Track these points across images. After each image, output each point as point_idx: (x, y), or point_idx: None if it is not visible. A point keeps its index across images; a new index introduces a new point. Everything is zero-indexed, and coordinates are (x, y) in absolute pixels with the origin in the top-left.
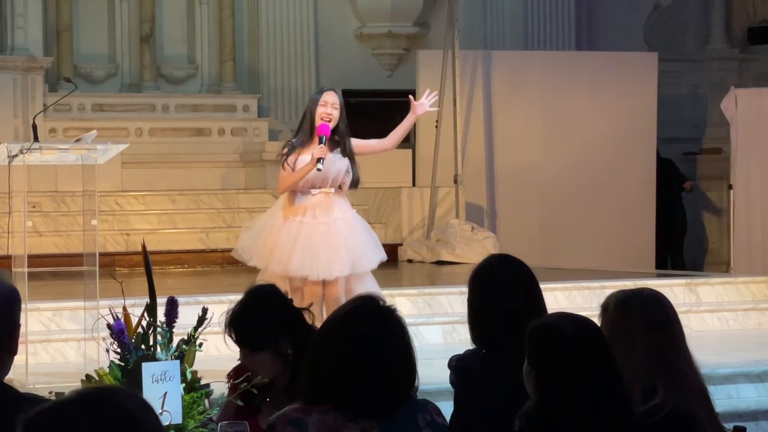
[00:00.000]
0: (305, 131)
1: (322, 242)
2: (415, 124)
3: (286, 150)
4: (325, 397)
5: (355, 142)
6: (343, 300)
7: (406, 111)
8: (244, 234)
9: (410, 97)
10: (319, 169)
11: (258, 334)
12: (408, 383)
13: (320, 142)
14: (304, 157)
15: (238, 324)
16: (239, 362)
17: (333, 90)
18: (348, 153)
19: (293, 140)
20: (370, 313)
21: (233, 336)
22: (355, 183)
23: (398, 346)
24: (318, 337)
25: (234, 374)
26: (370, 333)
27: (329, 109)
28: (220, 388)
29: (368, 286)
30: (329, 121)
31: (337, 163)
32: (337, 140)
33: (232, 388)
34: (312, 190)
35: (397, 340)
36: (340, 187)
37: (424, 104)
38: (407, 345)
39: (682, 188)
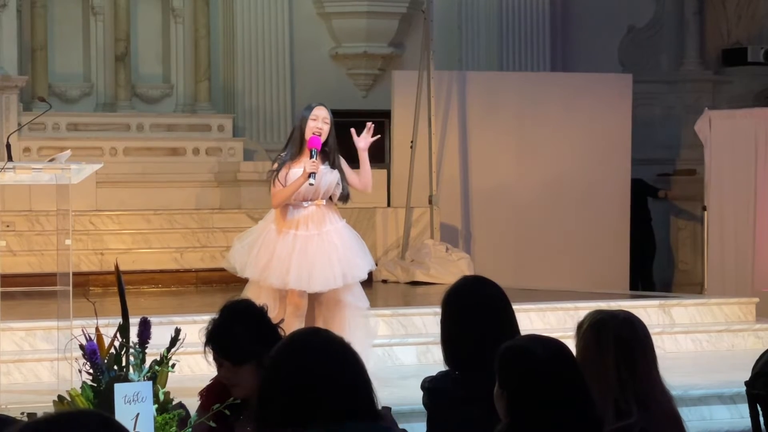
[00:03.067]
0: (295, 145)
1: (317, 255)
2: (390, 145)
3: (276, 165)
4: (283, 422)
5: (346, 168)
6: (340, 308)
7: (381, 131)
8: (236, 245)
9: (352, 131)
10: (311, 184)
11: (242, 346)
12: (369, 402)
13: (312, 156)
14: (295, 170)
15: (220, 337)
16: (211, 381)
17: (323, 105)
18: (337, 166)
19: (282, 154)
20: (320, 341)
21: (215, 350)
22: (345, 197)
23: (353, 368)
24: (270, 368)
25: (206, 393)
26: (322, 358)
27: (320, 123)
28: (194, 409)
29: (356, 293)
30: (320, 135)
31: (327, 176)
32: (327, 153)
33: (203, 406)
34: (304, 203)
35: (351, 362)
36: (330, 199)
37: (362, 139)
38: (362, 367)
39: (657, 197)
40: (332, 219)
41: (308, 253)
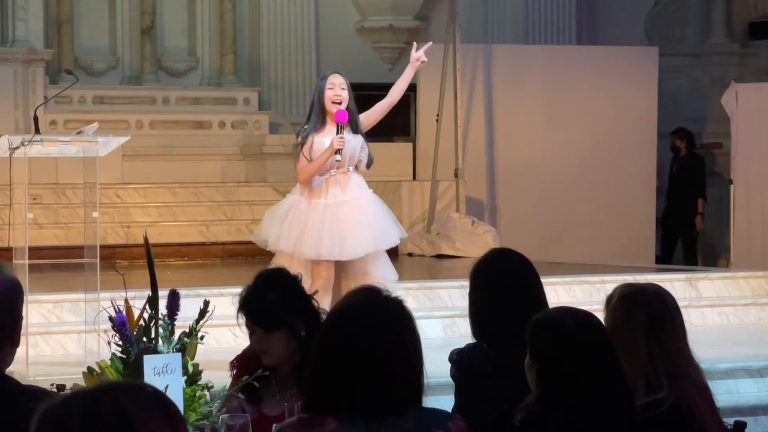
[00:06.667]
0: (316, 115)
1: (348, 221)
2: (415, 119)
3: (300, 139)
4: (333, 407)
5: (363, 116)
6: (368, 281)
7: (407, 105)
8: (266, 218)
9: (414, 45)
10: (338, 160)
11: (275, 312)
12: (418, 381)
13: (338, 131)
14: (319, 140)
15: (254, 303)
16: (242, 352)
17: (336, 72)
18: (359, 131)
19: (305, 126)
20: (379, 313)
21: (247, 316)
22: (369, 162)
23: (409, 344)
24: (323, 343)
25: (237, 363)
26: (382, 334)
27: (338, 90)
28: (221, 381)
29: (384, 265)
30: (340, 103)
31: (351, 142)
32: (349, 120)
33: (236, 378)
34: (330, 171)
35: (408, 338)
36: (356, 166)
37: (419, 57)
38: (417, 341)
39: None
40: (359, 185)
41: (339, 220)
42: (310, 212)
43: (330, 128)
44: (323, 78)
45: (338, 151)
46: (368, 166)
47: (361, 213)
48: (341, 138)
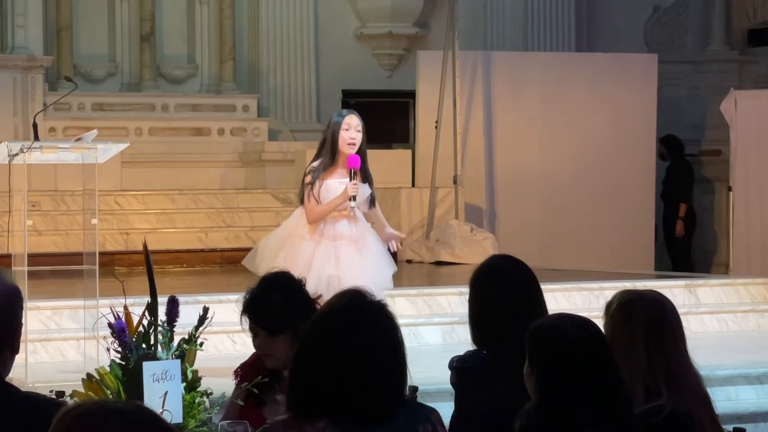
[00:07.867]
0: (327, 155)
1: (345, 267)
2: (415, 126)
3: (309, 178)
4: (319, 408)
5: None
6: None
7: (406, 112)
8: (262, 246)
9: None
10: (352, 207)
11: (278, 315)
12: (403, 384)
13: (351, 177)
14: (330, 182)
15: (258, 306)
16: (248, 359)
17: (353, 113)
18: (368, 175)
19: (314, 164)
20: (362, 312)
21: (251, 319)
22: (372, 201)
23: (393, 345)
24: (307, 343)
25: (241, 370)
26: (365, 334)
27: (353, 132)
28: (220, 388)
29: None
30: (354, 144)
31: (360, 189)
32: (361, 165)
33: (239, 385)
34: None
35: (392, 338)
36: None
37: (394, 243)
38: (401, 343)
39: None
40: (363, 232)
41: (340, 260)
42: (316, 252)
43: (341, 170)
44: (339, 115)
45: (352, 198)
46: (372, 204)
47: (360, 258)
48: (355, 185)
